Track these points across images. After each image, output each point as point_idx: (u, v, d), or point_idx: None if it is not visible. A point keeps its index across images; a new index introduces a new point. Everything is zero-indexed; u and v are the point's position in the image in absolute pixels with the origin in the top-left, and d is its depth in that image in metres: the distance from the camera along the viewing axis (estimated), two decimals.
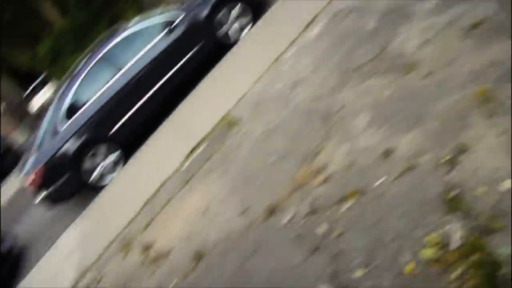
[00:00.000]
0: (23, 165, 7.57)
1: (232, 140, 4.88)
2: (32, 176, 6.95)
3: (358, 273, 2.47)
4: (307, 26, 5.54)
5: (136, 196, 5.69)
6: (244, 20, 7.29)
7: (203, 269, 3.48)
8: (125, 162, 7.13)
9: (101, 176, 7.11)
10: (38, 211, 8.81)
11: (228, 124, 5.21)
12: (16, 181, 13.55)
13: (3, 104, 22.17)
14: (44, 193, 7.06)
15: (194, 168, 5.05)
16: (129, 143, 7.21)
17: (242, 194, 3.91)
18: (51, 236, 7.34)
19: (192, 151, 5.41)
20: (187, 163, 5.31)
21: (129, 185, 6.40)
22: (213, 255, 3.52)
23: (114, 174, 7.10)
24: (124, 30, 7.35)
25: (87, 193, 7.20)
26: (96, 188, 7.09)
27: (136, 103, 7.16)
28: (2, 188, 15.63)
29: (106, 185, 7.08)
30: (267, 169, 3.92)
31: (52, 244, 6.96)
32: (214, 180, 4.50)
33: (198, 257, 3.61)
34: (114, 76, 7.12)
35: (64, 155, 6.95)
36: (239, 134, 4.85)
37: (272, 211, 3.38)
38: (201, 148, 5.32)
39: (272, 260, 2.99)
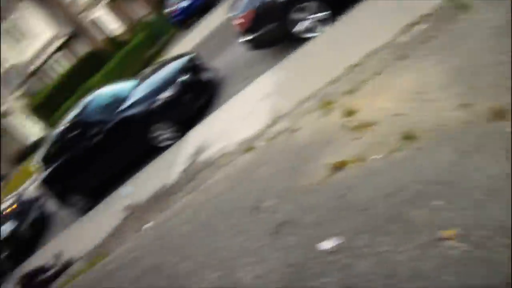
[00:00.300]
0: (233, 5, 8.02)
1: (460, 26, 4.44)
2: (242, 18, 7.39)
3: None
4: None
5: (340, 58, 5.68)
6: None
7: (412, 152, 3.39)
8: (332, 23, 7.03)
9: (306, 30, 7.22)
10: (239, 49, 9.36)
11: (457, 6, 4.68)
12: (219, 16, 14.43)
13: None
14: (250, 36, 7.52)
15: (412, 45, 4.79)
16: (340, 6, 7.01)
17: (464, 87, 3.63)
18: (248, 76, 7.93)
19: (411, 26, 5.11)
20: (403, 38, 5.05)
21: (334, 45, 6.34)
22: (424, 141, 3.39)
23: (318, 33, 7.12)
24: None
25: (288, 45, 7.43)
26: (298, 40, 7.25)
27: None
28: (206, 21, 16.85)
29: (309, 38, 7.17)
30: (500, 68, 3.51)
31: (249, 84, 7.55)
32: (433, 64, 4.23)
33: (408, 138, 3.51)
34: None
35: (274, 2, 7.17)
36: (470, 22, 4.37)
37: (498, 115, 3.09)
38: (422, 25, 4.98)
39: (493, 165, 2.80)
